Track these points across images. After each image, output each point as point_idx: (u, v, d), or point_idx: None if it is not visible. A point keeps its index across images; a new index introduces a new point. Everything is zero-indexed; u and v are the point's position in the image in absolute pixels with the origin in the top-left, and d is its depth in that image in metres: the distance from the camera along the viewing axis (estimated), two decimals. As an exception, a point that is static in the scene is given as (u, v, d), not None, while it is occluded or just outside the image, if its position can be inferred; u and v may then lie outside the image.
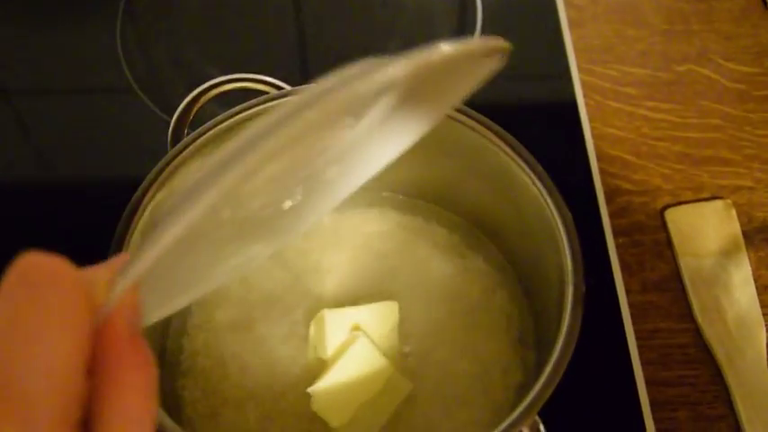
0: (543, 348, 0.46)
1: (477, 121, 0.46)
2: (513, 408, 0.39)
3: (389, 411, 0.47)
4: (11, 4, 0.73)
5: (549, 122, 0.65)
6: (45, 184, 0.64)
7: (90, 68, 0.69)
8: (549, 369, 0.39)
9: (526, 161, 0.45)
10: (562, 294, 0.42)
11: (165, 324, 0.51)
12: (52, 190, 0.63)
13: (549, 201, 0.43)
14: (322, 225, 0.55)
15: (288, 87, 0.49)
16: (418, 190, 0.55)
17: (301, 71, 0.69)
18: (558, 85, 0.66)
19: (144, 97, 0.66)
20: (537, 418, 0.39)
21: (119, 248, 0.43)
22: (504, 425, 0.38)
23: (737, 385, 0.52)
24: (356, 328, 0.48)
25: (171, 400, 0.49)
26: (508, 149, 0.46)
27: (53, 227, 0.60)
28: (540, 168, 0.45)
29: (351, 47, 0.70)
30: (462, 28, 0.70)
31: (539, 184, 0.44)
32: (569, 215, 0.43)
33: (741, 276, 0.56)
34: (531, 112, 0.66)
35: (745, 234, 0.59)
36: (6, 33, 0.71)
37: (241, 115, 0.47)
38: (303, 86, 0.48)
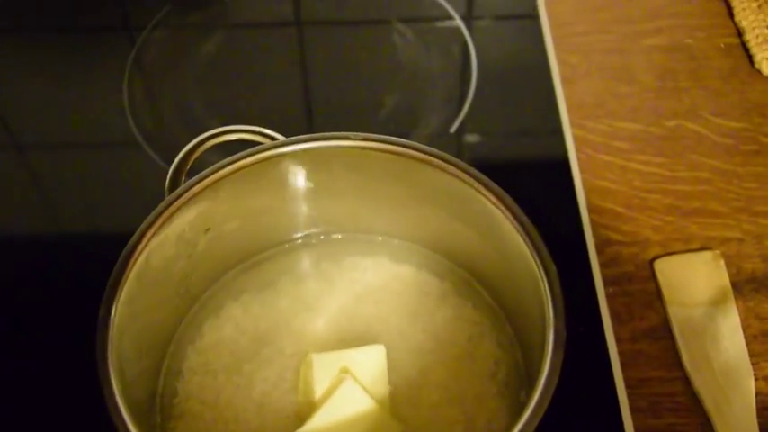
0: (530, 391, 0.46)
1: (464, 171, 0.48)
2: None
3: (378, 454, 0.48)
4: (22, 58, 0.76)
5: (542, 175, 0.66)
6: (49, 234, 0.66)
7: (98, 122, 0.71)
8: (529, 410, 0.40)
9: (510, 210, 0.46)
10: (545, 340, 0.43)
11: (158, 367, 0.52)
12: (56, 240, 0.65)
13: (531, 247, 0.45)
14: (317, 272, 0.57)
15: (281, 138, 0.50)
16: (411, 234, 0.56)
17: (306, 124, 0.71)
18: (551, 140, 0.68)
19: (149, 150, 0.68)
20: (519, 458, 0.40)
21: (113, 293, 0.45)
22: (482, 466, 0.39)
23: (725, 434, 0.52)
24: (344, 370, 0.49)
25: (162, 442, 0.50)
26: (494, 198, 0.47)
27: (55, 276, 0.62)
28: (524, 217, 0.46)
29: (350, 99, 0.72)
30: (458, 86, 0.73)
31: (522, 231, 0.45)
32: (550, 260, 0.44)
33: (729, 326, 0.57)
34: (525, 165, 0.67)
35: (734, 285, 0.59)
36: (18, 88, 0.74)
37: (234, 165, 0.49)
38: (294, 137, 0.50)
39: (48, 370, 0.56)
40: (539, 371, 0.41)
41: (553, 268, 0.44)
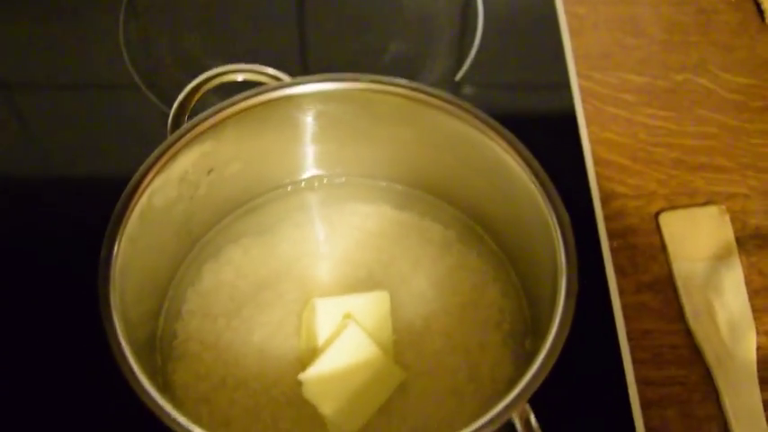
0: (536, 341, 0.46)
1: (475, 116, 0.47)
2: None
3: (382, 399, 0.48)
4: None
5: (548, 126, 0.65)
6: (45, 178, 0.65)
7: (92, 63, 0.69)
8: (540, 358, 0.40)
9: (522, 156, 0.46)
10: (556, 287, 0.42)
11: (158, 308, 0.51)
12: (52, 184, 0.64)
13: (543, 194, 0.44)
14: (319, 217, 0.56)
15: (287, 78, 0.49)
16: (417, 180, 0.55)
17: (301, 64, 0.70)
18: (557, 91, 0.67)
19: (146, 91, 0.66)
20: (527, 407, 0.40)
21: (116, 230, 0.44)
22: (494, 411, 0.38)
23: (726, 386, 0.52)
24: (347, 316, 0.48)
25: (163, 382, 0.49)
26: (505, 144, 0.46)
27: (53, 221, 0.60)
28: (536, 164, 0.45)
29: (350, 43, 0.70)
30: (463, 34, 0.71)
31: (534, 178, 0.45)
32: (563, 208, 0.43)
33: (733, 281, 0.57)
34: (530, 116, 0.66)
35: (738, 240, 0.59)
36: (9, 27, 0.72)
37: (239, 105, 0.48)
38: (300, 78, 0.49)
39: (47, 315, 0.56)
40: (550, 319, 0.41)
41: (566, 216, 0.43)
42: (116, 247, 0.43)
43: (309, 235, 0.55)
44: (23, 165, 0.65)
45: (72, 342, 0.53)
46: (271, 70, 0.50)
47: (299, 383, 0.47)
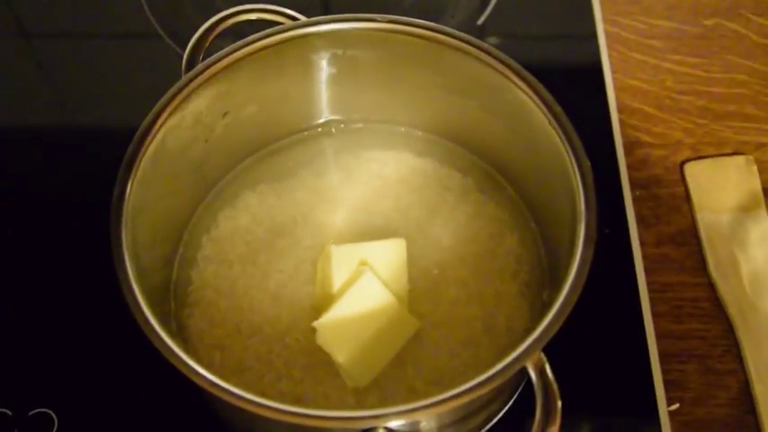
0: (554, 293, 0.45)
1: (496, 58, 0.46)
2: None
3: (396, 348, 0.47)
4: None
5: (571, 72, 0.64)
6: (64, 125, 0.64)
7: (112, 10, 0.68)
8: (557, 306, 0.39)
9: (543, 100, 0.44)
10: (575, 234, 0.41)
11: (172, 254, 0.51)
12: (72, 131, 0.63)
13: (563, 139, 0.43)
14: (336, 164, 0.55)
15: (303, 18, 0.48)
16: (436, 126, 0.54)
17: (322, 7, 0.68)
18: (582, 36, 0.65)
19: (166, 38, 0.65)
20: (542, 356, 0.39)
21: (128, 171, 0.43)
22: (507, 360, 0.38)
23: (749, 340, 0.51)
24: (363, 263, 0.48)
25: (177, 329, 0.49)
26: (526, 88, 0.45)
27: (72, 166, 0.60)
28: (557, 108, 0.44)
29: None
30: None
31: (554, 122, 0.43)
32: (583, 151, 0.42)
33: (759, 233, 0.55)
34: (554, 62, 0.65)
35: (765, 191, 0.57)
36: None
37: (254, 45, 0.47)
38: (317, 18, 0.47)
39: (62, 259, 0.55)
40: (568, 265, 0.40)
41: (586, 160, 0.42)
42: (129, 188, 0.43)
43: (326, 182, 0.54)
44: (43, 112, 0.64)
45: (88, 287, 0.53)
46: (285, 10, 0.49)
47: (314, 331, 0.47)
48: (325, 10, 0.69)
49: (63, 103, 0.66)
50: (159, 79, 0.62)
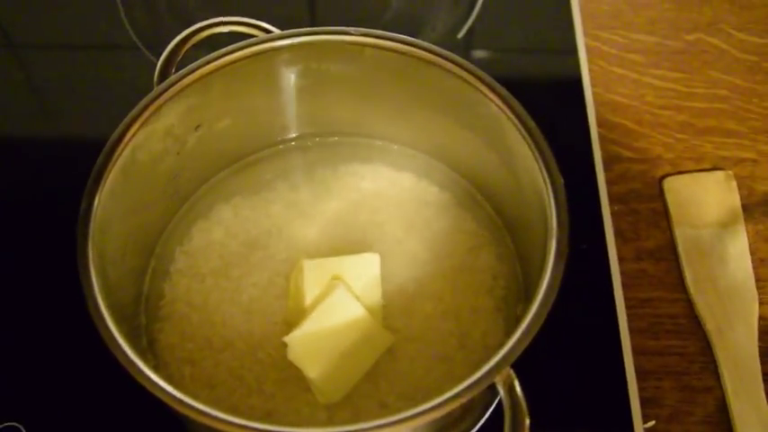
0: (526, 306, 0.45)
1: (469, 72, 0.45)
2: (491, 365, 0.38)
3: (369, 364, 0.47)
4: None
5: (551, 86, 0.64)
6: (43, 135, 0.64)
7: (90, 21, 0.68)
8: (526, 321, 0.38)
9: (516, 114, 0.44)
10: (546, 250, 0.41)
11: (144, 267, 0.51)
12: (53, 141, 0.63)
13: (536, 154, 0.42)
14: (313, 178, 0.55)
15: (276, 31, 0.47)
16: (413, 140, 0.54)
17: (306, 23, 0.68)
18: (563, 50, 0.65)
19: (143, 48, 0.65)
20: (511, 372, 0.38)
21: (96, 185, 0.43)
22: (475, 376, 0.37)
23: (726, 358, 0.51)
24: (336, 278, 0.47)
25: (147, 342, 0.49)
26: (499, 102, 0.45)
27: (49, 178, 0.60)
28: (530, 122, 0.44)
29: (354, 1, 0.68)
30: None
31: (527, 137, 0.43)
32: (555, 166, 0.42)
33: (737, 249, 0.55)
34: (534, 75, 0.64)
35: (744, 207, 0.57)
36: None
37: (226, 57, 0.47)
38: (290, 30, 0.47)
39: (32, 271, 0.55)
40: (538, 282, 0.39)
41: (558, 176, 0.42)
42: (96, 201, 0.42)
43: (302, 195, 0.54)
44: (23, 121, 0.64)
45: (57, 300, 0.52)
46: (259, 22, 0.48)
47: (285, 345, 0.46)
48: (312, 23, 0.68)
49: (43, 113, 0.65)
50: (138, 90, 0.62)
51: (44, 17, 0.69)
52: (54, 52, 0.68)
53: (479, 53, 0.66)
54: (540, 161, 0.42)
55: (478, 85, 0.45)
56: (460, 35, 0.66)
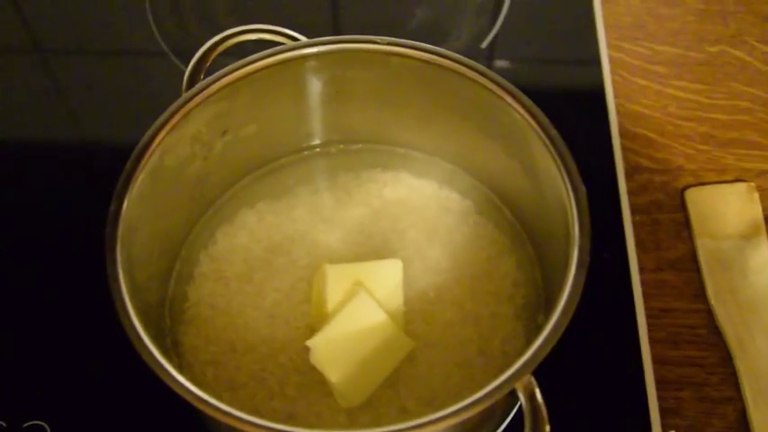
0: (547, 315, 0.45)
1: (493, 81, 0.46)
2: (511, 371, 0.38)
3: (389, 369, 0.47)
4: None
5: (574, 96, 0.64)
6: (72, 141, 0.65)
7: (118, 27, 0.69)
8: (547, 330, 0.38)
9: (539, 122, 0.44)
10: (568, 258, 0.41)
11: (169, 270, 0.51)
12: (82, 147, 0.64)
13: (559, 162, 0.43)
14: (335, 184, 0.55)
15: (303, 39, 0.48)
16: (435, 148, 0.54)
17: (329, 30, 0.69)
18: (586, 61, 0.65)
19: (171, 55, 0.66)
20: (532, 379, 0.39)
21: (125, 187, 0.43)
22: (495, 383, 0.37)
23: (746, 369, 0.51)
24: (358, 283, 0.48)
25: (171, 344, 0.49)
26: (522, 110, 0.45)
27: (78, 183, 0.61)
28: (553, 131, 0.44)
29: (379, 12, 0.69)
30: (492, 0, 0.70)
31: (550, 145, 0.43)
32: (577, 174, 0.42)
33: (759, 261, 0.55)
34: (557, 86, 0.65)
35: (766, 219, 0.57)
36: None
37: (254, 65, 0.47)
38: (317, 39, 0.48)
39: (60, 272, 0.56)
40: (560, 289, 0.39)
41: (581, 184, 0.42)
42: (125, 205, 0.43)
43: (325, 201, 0.55)
44: (53, 126, 0.65)
45: (84, 301, 0.53)
46: (287, 31, 0.49)
47: (307, 350, 0.47)
48: (335, 31, 0.69)
49: (71, 119, 0.67)
50: (165, 96, 0.63)
51: (73, 23, 0.70)
52: (83, 58, 0.69)
53: (502, 63, 0.67)
54: (562, 170, 0.42)
55: (502, 93, 0.46)
56: (484, 45, 0.66)
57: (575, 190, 0.42)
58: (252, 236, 0.53)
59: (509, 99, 0.45)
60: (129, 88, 0.66)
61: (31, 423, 0.50)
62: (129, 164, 0.44)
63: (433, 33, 0.67)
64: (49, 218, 0.59)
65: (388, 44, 0.47)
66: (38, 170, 0.62)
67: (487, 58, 0.66)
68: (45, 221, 0.59)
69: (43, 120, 0.65)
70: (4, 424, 0.50)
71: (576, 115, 0.61)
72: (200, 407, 0.38)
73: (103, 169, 0.59)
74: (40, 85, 0.67)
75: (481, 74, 0.46)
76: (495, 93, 0.46)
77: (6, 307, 0.55)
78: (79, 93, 0.67)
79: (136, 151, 0.45)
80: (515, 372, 0.38)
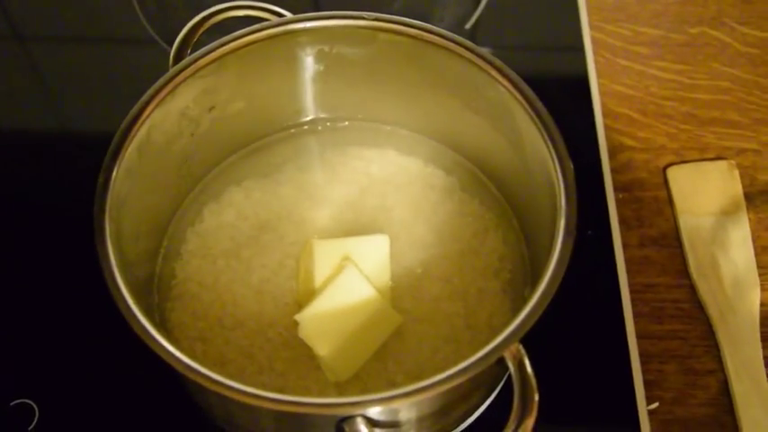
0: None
1: (479, 56, 0.46)
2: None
3: (378, 343, 0.47)
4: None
5: (558, 76, 0.64)
6: (55, 128, 0.64)
7: (103, 14, 0.69)
8: (535, 297, 0.39)
9: (525, 96, 0.45)
10: (555, 229, 0.42)
11: (157, 247, 0.51)
12: (65, 135, 0.64)
13: (545, 135, 0.43)
14: (322, 161, 0.55)
15: (289, 15, 0.48)
16: (421, 125, 0.55)
17: (313, 7, 0.69)
18: (569, 42, 0.66)
19: (158, 39, 0.66)
20: (521, 349, 0.39)
21: (113, 161, 0.43)
22: (486, 348, 0.38)
23: (728, 342, 0.52)
24: (346, 258, 0.48)
25: (160, 321, 0.49)
26: (508, 85, 0.45)
27: (62, 169, 0.60)
28: (539, 104, 0.45)
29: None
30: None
31: (536, 119, 0.44)
32: (564, 148, 0.43)
33: (739, 236, 0.56)
34: (540, 66, 0.65)
35: (747, 195, 0.58)
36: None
37: (240, 40, 0.47)
38: (304, 14, 0.48)
39: (46, 253, 0.56)
40: (547, 259, 0.40)
41: (567, 156, 0.43)
42: (113, 178, 0.43)
43: (312, 178, 0.55)
44: (36, 114, 0.64)
45: (70, 280, 0.54)
46: (272, 7, 0.49)
47: (296, 325, 0.47)
48: (315, 8, 0.69)
49: (56, 106, 0.66)
50: (151, 81, 0.63)
51: (54, 8, 0.69)
52: (66, 45, 0.68)
53: (486, 43, 0.67)
54: (548, 142, 0.43)
55: (488, 68, 0.46)
56: (468, 26, 0.66)
57: (561, 162, 0.42)
58: (239, 213, 0.53)
59: (495, 74, 0.46)
60: (115, 74, 0.65)
61: (19, 401, 0.50)
62: (116, 137, 0.44)
63: (416, 15, 0.67)
64: (34, 207, 0.58)
65: (376, 20, 0.48)
66: (21, 161, 0.61)
67: (471, 39, 0.66)
68: (30, 210, 0.58)
69: (23, 108, 0.65)
70: (-9, 402, 0.50)
71: (559, 95, 0.61)
72: (192, 376, 0.38)
73: (85, 157, 0.59)
74: (20, 72, 0.67)
75: (468, 49, 0.46)
76: (481, 68, 0.46)
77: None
78: (62, 80, 0.66)
79: (124, 124, 0.45)
80: (503, 340, 0.38)
